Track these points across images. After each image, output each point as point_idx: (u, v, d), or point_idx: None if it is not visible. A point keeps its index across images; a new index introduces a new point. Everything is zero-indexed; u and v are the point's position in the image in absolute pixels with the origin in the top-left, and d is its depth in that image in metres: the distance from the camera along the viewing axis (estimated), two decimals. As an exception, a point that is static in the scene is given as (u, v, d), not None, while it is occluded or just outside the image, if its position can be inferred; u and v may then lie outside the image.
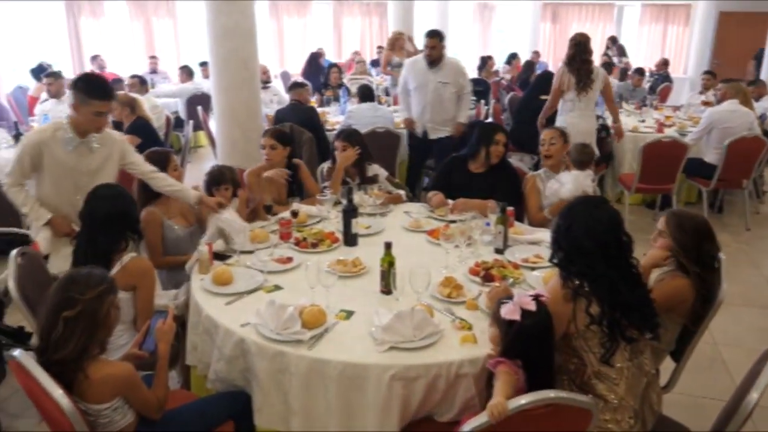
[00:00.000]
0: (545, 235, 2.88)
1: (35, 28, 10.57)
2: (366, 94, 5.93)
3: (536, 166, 4.42)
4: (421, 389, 1.98)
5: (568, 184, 3.41)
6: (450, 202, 3.43)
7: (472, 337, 2.08)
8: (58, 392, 1.68)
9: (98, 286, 1.82)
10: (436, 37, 5.01)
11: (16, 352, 1.76)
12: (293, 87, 5.90)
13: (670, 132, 6.05)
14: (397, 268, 2.40)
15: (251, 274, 2.56)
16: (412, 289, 2.26)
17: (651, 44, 15.01)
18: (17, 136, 5.17)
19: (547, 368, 1.89)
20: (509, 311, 1.86)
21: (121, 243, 2.46)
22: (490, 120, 7.06)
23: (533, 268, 2.66)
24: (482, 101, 7.57)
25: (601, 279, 1.92)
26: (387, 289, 2.40)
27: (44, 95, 6.99)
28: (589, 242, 1.94)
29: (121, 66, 10.44)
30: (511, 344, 1.85)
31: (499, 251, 2.85)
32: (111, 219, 2.43)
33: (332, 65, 8.56)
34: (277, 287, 2.49)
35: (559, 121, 5.11)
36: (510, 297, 1.94)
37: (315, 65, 9.71)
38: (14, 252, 2.49)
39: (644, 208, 6.11)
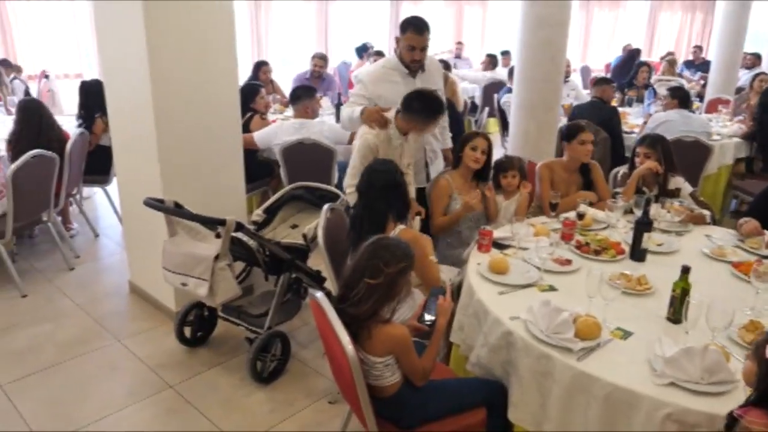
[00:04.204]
0: None
1: (362, 12, 11.89)
2: (682, 99, 5.25)
3: None
4: (698, 439, 1.74)
5: None
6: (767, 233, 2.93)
7: (776, 398, 1.75)
8: (346, 338, 1.89)
9: (401, 262, 1.98)
10: (427, 31, 3.46)
11: (318, 294, 2.01)
12: (598, 83, 5.61)
13: None
14: (691, 297, 2.14)
15: (527, 269, 2.53)
16: (707, 325, 1.99)
17: None
18: (338, 106, 5.89)
19: None
20: None
21: (395, 211, 2.66)
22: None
23: None
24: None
25: None
26: (675, 317, 2.16)
27: (364, 71, 7.84)
28: None
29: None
30: None
31: (828, 305, 2.34)
32: (387, 188, 2.66)
33: (642, 63, 7.93)
34: (552, 288, 2.42)
35: None
36: None
37: (629, 62, 9.11)
38: (326, 206, 2.86)
39: None
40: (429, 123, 3.19)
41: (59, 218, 4.70)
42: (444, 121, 3.85)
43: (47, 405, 2.88)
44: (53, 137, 4.36)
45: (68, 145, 4.40)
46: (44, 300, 3.92)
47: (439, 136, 3.75)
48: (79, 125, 4.87)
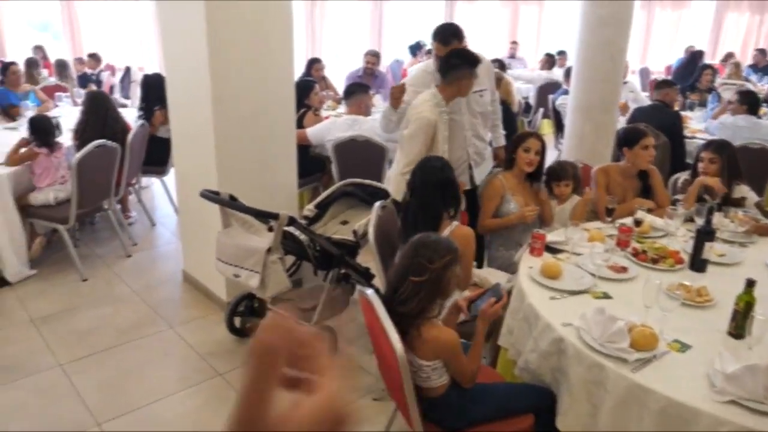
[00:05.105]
0: None
1: (417, 11, 11.85)
2: (752, 104, 4.97)
3: None
4: (759, 461, 1.67)
5: None
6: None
7: None
8: (395, 337, 1.89)
9: (445, 256, 1.96)
10: (456, 40, 3.39)
11: (369, 291, 2.02)
12: (660, 86, 5.42)
13: None
14: (756, 312, 2.04)
15: (581, 275, 2.47)
16: (772, 342, 1.91)
17: None
18: (390, 103, 5.89)
19: None
20: None
21: (450, 208, 2.64)
22: None
23: None
24: None
25: None
26: (738, 332, 2.07)
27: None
28: None
29: (484, 49, 11.05)
30: None
31: None
32: (442, 185, 2.64)
33: (706, 66, 7.64)
34: (606, 295, 2.35)
35: None
36: None
37: (692, 65, 8.79)
38: (378, 204, 2.87)
39: None
40: (472, 75, 3.20)
41: (119, 206, 4.87)
42: (497, 119, 3.81)
43: (103, 386, 2.99)
44: (118, 129, 4.51)
45: (129, 136, 4.55)
46: (103, 285, 4.07)
47: (484, 134, 3.70)
48: (139, 117, 5.03)
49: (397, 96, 3.28)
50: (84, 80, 8.03)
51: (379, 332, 1.97)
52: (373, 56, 7.22)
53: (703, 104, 6.83)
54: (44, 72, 7.82)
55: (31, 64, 7.40)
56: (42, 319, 3.59)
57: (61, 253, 4.32)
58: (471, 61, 3.19)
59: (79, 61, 8.50)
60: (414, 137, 3.13)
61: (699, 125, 5.88)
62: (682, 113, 5.99)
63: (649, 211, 3.17)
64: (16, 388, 2.96)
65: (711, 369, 1.85)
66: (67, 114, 5.52)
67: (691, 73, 8.06)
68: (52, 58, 8.45)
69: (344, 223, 3.49)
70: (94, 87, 7.02)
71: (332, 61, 9.17)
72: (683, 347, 2.01)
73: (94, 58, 8.50)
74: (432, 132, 3.13)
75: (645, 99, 7.26)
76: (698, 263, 2.61)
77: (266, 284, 2.93)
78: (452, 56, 3.22)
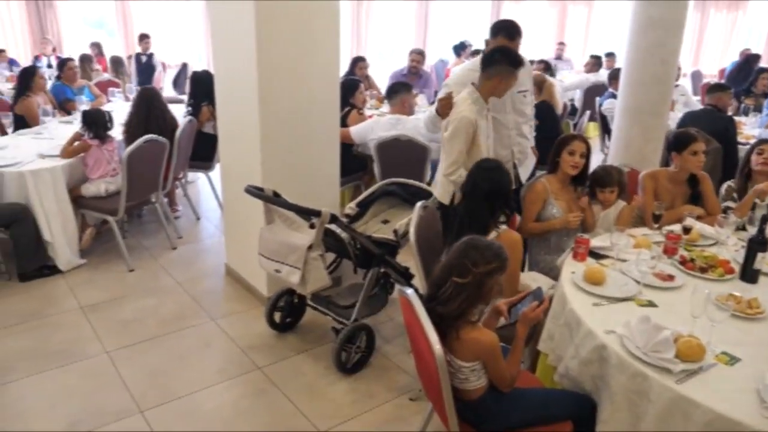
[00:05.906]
0: None
1: (462, 11, 11.79)
2: None
3: None
4: (811, 481, 1.60)
5: None
6: None
7: None
8: (434, 337, 1.88)
9: (491, 263, 1.94)
10: (519, 37, 3.42)
11: (409, 291, 2.02)
12: (713, 89, 5.24)
13: None
14: (811, 326, 1.97)
15: (625, 281, 2.42)
16: (828, 358, 1.83)
17: None
18: (433, 104, 5.87)
19: None
20: None
21: (499, 215, 2.61)
22: None
23: None
24: None
25: None
26: (791, 346, 1.99)
27: (460, 69, 7.77)
28: None
29: (531, 50, 10.92)
30: None
31: None
32: (493, 192, 2.61)
33: (763, 70, 7.36)
34: (651, 303, 2.30)
35: None
36: None
37: (747, 68, 8.49)
38: (419, 204, 2.86)
39: None
40: (511, 75, 3.14)
41: (166, 200, 5.00)
42: (531, 119, 3.76)
43: (146, 374, 3.08)
44: (164, 126, 4.61)
45: (177, 132, 4.66)
46: (149, 276, 4.19)
47: (527, 132, 3.66)
48: (187, 113, 5.14)
49: (446, 107, 3.25)
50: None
51: (417, 332, 1.97)
52: (419, 55, 7.20)
53: (758, 109, 6.59)
54: (98, 67, 8.09)
55: (84, 59, 7.66)
56: (90, 307, 3.71)
57: (110, 244, 4.46)
58: (513, 60, 3.13)
59: (145, 38, 8.83)
60: (454, 137, 3.11)
61: (753, 131, 5.68)
62: (737, 118, 5.79)
63: (699, 218, 3.08)
64: (65, 372, 3.07)
65: (761, 384, 1.79)
66: (119, 109, 5.69)
67: (746, 77, 7.78)
68: (107, 55, 8.75)
69: (385, 222, 3.50)
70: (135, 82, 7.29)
71: (375, 60, 9.21)
72: (732, 360, 1.95)
73: (146, 36, 8.84)
74: (472, 131, 3.10)
75: (696, 103, 7.06)
76: (750, 273, 2.52)
77: (306, 280, 2.96)
78: (496, 52, 3.17)
